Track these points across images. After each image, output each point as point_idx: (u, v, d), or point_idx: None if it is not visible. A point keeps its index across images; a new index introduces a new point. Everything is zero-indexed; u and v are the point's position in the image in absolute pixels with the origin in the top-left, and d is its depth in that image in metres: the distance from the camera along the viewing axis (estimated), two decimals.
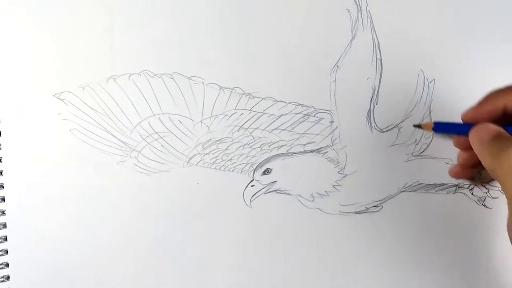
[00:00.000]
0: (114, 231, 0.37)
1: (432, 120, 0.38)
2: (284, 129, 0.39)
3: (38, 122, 0.36)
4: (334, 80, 0.39)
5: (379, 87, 0.40)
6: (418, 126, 0.38)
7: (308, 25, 0.39)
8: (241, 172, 0.39)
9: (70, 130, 0.36)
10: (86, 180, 0.37)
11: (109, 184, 0.37)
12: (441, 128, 0.36)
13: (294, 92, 0.39)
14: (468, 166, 0.37)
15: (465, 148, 0.35)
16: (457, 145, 0.36)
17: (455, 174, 0.38)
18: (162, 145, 0.38)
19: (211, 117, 0.38)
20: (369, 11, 0.39)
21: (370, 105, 0.40)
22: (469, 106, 0.35)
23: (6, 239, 0.36)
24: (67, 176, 0.36)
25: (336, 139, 0.40)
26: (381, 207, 0.40)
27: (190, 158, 0.38)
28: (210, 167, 0.38)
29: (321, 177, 0.40)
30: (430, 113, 0.40)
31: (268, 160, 0.39)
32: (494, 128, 0.31)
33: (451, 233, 0.41)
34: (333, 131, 0.40)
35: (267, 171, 0.39)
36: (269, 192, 0.39)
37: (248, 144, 0.39)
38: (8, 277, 0.36)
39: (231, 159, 0.39)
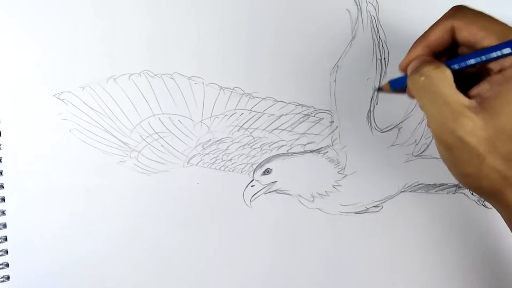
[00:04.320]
0: (114, 231, 0.37)
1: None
2: (284, 129, 0.39)
3: (38, 122, 0.36)
4: (334, 80, 0.39)
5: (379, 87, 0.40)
6: (379, 89, 0.38)
7: (308, 25, 0.39)
8: (241, 172, 0.39)
9: (70, 130, 0.36)
10: (86, 180, 0.37)
11: (109, 184, 0.37)
12: (396, 83, 0.35)
13: (294, 92, 0.39)
14: None
15: None
16: (410, 94, 0.34)
17: None
18: (162, 145, 0.38)
19: (211, 117, 0.38)
20: (369, 11, 0.39)
21: (370, 105, 0.40)
22: None
23: (6, 239, 0.36)
24: (67, 176, 0.36)
25: (336, 139, 0.40)
26: (381, 207, 0.40)
27: (190, 158, 0.38)
28: (210, 167, 0.38)
29: (321, 177, 0.40)
30: None
31: (268, 160, 0.39)
32: (422, 57, 0.30)
33: (451, 233, 0.41)
34: (333, 131, 0.40)
35: (267, 171, 0.39)
36: (269, 192, 0.39)
37: (248, 144, 0.39)
38: (8, 277, 0.36)
39: (231, 159, 0.39)
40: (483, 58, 0.27)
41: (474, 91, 0.28)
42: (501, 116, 0.26)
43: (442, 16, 0.30)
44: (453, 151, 0.28)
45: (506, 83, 0.26)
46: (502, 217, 0.31)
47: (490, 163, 0.27)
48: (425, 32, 0.31)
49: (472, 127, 0.26)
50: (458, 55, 0.32)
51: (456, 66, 0.29)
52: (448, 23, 0.29)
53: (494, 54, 0.27)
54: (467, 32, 0.28)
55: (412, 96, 0.33)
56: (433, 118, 0.28)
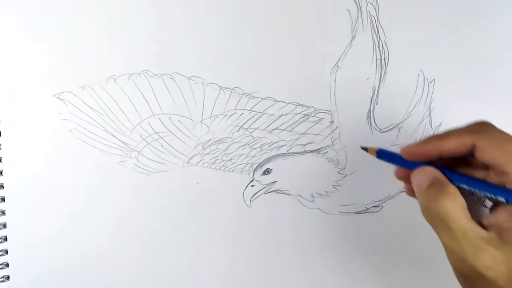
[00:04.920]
0: (113, 231, 0.37)
1: (379, 146, 0.35)
2: (284, 129, 0.39)
3: (38, 122, 0.36)
4: (334, 80, 0.39)
5: (379, 87, 0.40)
6: (365, 149, 0.36)
7: (308, 25, 0.39)
8: (241, 172, 0.39)
9: (70, 130, 0.36)
10: (86, 180, 0.37)
11: (109, 184, 0.37)
12: (385, 156, 0.33)
13: (294, 92, 0.39)
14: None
15: (405, 180, 0.32)
16: (397, 176, 0.32)
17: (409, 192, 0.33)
18: (162, 145, 0.38)
19: (211, 117, 0.38)
20: (369, 11, 0.39)
21: (370, 105, 0.40)
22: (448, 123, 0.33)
23: (6, 239, 0.36)
24: (67, 176, 0.36)
25: (336, 139, 0.40)
26: (381, 207, 0.40)
27: (190, 158, 0.38)
28: (210, 167, 0.38)
29: (321, 177, 0.40)
30: (430, 113, 0.40)
31: (268, 160, 0.39)
32: (431, 173, 0.29)
33: None
34: (333, 131, 0.40)
35: (267, 171, 0.39)
36: (269, 192, 0.39)
37: (248, 144, 0.39)
38: (8, 277, 0.36)
39: (231, 159, 0.39)
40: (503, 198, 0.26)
41: (491, 219, 0.27)
42: None
43: (464, 129, 0.28)
44: (471, 282, 0.27)
45: None
46: None
47: None
48: (441, 135, 0.28)
49: (492, 261, 0.25)
50: (467, 160, 0.30)
51: (469, 189, 0.28)
52: (469, 139, 0.27)
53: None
54: (489, 156, 0.27)
55: (399, 178, 0.32)
56: (451, 252, 0.27)
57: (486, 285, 0.26)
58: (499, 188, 0.27)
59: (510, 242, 0.25)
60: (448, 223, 0.27)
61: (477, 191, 0.28)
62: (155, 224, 0.38)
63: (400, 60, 0.40)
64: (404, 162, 0.30)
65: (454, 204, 0.27)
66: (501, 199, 0.26)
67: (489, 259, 0.26)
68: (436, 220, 0.28)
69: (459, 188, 0.28)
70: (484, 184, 0.28)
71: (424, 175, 0.29)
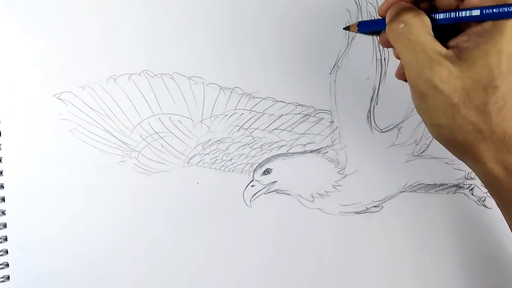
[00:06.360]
0: (114, 231, 0.37)
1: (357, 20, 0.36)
2: (284, 129, 0.39)
3: (38, 122, 0.36)
4: (334, 80, 0.39)
5: (379, 87, 0.40)
6: (347, 28, 0.37)
7: (308, 25, 0.39)
8: (241, 172, 0.39)
9: (70, 130, 0.36)
10: (86, 180, 0.37)
11: (109, 184, 0.37)
12: (365, 26, 0.34)
13: (294, 92, 0.39)
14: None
15: (390, 45, 0.32)
16: (382, 42, 0.34)
17: (400, 76, 0.34)
18: (162, 145, 0.38)
19: (211, 117, 0.38)
20: (369, 11, 0.39)
21: (370, 105, 0.40)
22: None
23: (6, 239, 0.36)
24: (67, 176, 0.36)
25: (336, 139, 0.40)
26: (381, 207, 0.40)
27: (190, 158, 0.38)
28: (210, 167, 0.38)
29: (321, 177, 0.40)
30: None
31: (268, 160, 0.39)
32: (401, 4, 0.30)
33: (451, 233, 0.41)
34: (333, 131, 0.40)
35: (267, 171, 0.39)
36: (269, 192, 0.39)
37: (248, 144, 0.39)
38: (8, 277, 0.36)
39: (231, 159, 0.39)
40: (468, 15, 0.27)
41: (453, 42, 0.28)
42: (478, 67, 0.26)
43: None
44: (427, 100, 0.27)
45: (485, 33, 0.26)
46: (477, 176, 0.30)
47: (464, 114, 0.26)
48: None
49: (448, 75, 0.26)
50: (435, 4, 0.31)
51: (438, 17, 0.28)
52: None
53: (474, 13, 0.27)
54: None
55: (383, 44, 0.33)
56: (409, 66, 0.28)
57: (440, 101, 0.27)
58: (470, 9, 0.27)
59: (466, 59, 0.26)
60: (408, 35, 0.28)
61: (451, 15, 0.28)
62: (155, 224, 0.38)
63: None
64: (384, 24, 0.31)
65: (416, 19, 0.28)
66: (476, 13, 0.27)
67: (445, 72, 0.26)
68: (398, 34, 0.28)
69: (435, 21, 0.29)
70: (455, 10, 0.28)
71: (396, 6, 0.30)
